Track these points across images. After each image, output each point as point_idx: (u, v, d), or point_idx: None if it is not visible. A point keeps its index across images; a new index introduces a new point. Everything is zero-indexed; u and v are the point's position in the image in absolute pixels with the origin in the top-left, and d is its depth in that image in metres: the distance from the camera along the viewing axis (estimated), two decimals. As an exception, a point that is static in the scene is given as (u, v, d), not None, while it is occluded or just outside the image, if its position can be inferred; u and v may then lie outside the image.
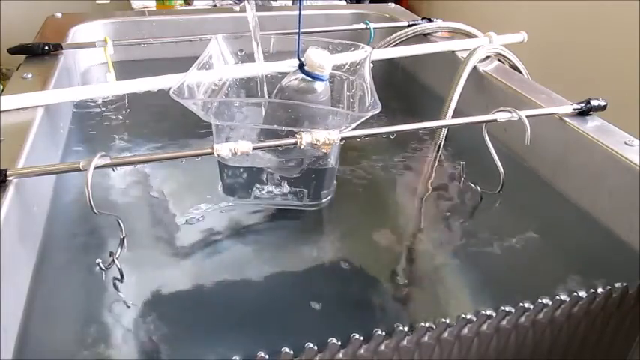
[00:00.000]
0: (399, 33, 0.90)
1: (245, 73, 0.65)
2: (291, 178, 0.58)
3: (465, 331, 0.42)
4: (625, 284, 0.46)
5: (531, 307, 0.43)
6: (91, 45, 0.80)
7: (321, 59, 0.53)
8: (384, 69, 0.95)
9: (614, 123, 0.62)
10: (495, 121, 0.58)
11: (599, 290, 0.45)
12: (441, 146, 0.72)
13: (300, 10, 0.56)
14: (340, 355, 0.39)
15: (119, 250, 0.49)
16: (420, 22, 0.97)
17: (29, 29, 0.94)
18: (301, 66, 0.54)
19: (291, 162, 0.57)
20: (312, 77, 0.54)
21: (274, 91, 0.56)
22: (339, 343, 0.38)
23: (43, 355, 0.41)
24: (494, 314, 0.42)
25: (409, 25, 0.94)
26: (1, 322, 0.39)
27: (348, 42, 0.62)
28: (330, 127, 0.52)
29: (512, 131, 0.68)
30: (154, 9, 1.52)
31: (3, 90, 0.65)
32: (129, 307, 0.46)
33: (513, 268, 0.55)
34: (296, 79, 0.54)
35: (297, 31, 0.56)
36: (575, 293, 0.45)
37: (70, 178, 0.59)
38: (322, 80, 0.54)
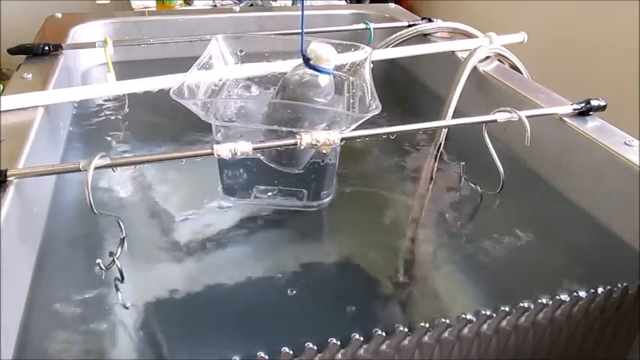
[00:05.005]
0: (399, 33, 0.90)
1: (245, 73, 0.65)
2: (291, 178, 0.58)
3: (465, 331, 0.42)
4: (625, 284, 0.46)
5: (531, 307, 0.43)
6: (91, 45, 0.80)
7: (327, 52, 0.53)
8: (384, 69, 0.95)
9: (614, 123, 0.62)
10: (495, 121, 0.58)
11: (599, 290, 0.45)
12: (441, 146, 0.72)
13: (302, 7, 0.56)
14: (340, 356, 0.39)
15: (119, 250, 0.49)
16: (420, 22, 0.97)
17: (29, 29, 0.94)
18: (307, 61, 0.54)
19: (294, 158, 0.56)
20: (319, 71, 0.54)
21: (277, 88, 0.56)
22: (339, 343, 0.38)
23: (43, 355, 0.41)
24: (494, 314, 0.42)
25: (409, 26, 0.94)
26: (1, 322, 0.39)
27: (348, 42, 0.62)
28: (333, 126, 0.52)
29: (512, 131, 0.68)
30: (154, 9, 1.52)
31: (3, 90, 0.65)
32: (129, 307, 0.46)
33: (513, 268, 0.55)
34: (300, 73, 0.54)
35: (297, 31, 0.55)
36: (575, 293, 0.45)
37: (70, 178, 0.59)
38: (328, 74, 0.54)
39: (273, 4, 1.54)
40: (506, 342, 0.44)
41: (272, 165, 0.56)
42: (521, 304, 0.43)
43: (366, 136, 0.53)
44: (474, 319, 0.42)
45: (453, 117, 0.72)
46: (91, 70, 0.92)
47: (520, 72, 0.82)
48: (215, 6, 1.55)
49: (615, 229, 0.57)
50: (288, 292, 0.49)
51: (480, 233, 0.58)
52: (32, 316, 0.44)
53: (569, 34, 1.55)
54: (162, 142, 0.73)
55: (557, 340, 0.46)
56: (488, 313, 0.42)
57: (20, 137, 0.54)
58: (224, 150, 0.48)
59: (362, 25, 0.97)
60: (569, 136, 0.62)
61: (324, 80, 0.54)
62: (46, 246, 0.51)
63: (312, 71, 0.54)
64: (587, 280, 0.50)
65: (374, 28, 0.96)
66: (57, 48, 0.78)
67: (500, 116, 0.58)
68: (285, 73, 0.57)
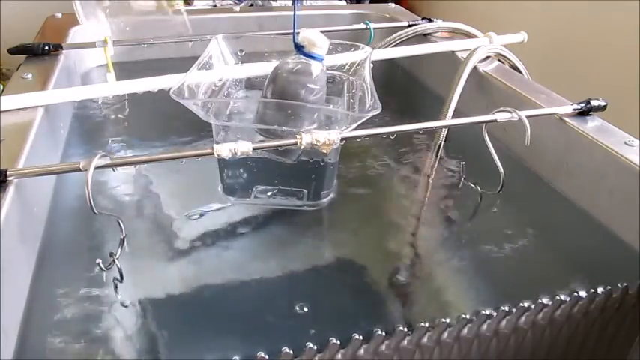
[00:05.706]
0: (399, 33, 0.90)
1: (245, 73, 0.65)
2: (291, 178, 0.58)
3: (465, 331, 0.42)
4: (625, 284, 0.46)
5: (531, 307, 0.43)
6: (91, 45, 0.80)
7: (319, 39, 0.53)
8: (384, 69, 0.95)
9: (614, 123, 0.62)
10: (495, 121, 0.58)
11: (599, 290, 0.45)
12: (441, 146, 0.72)
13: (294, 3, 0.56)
14: (340, 356, 0.39)
15: (119, 250, 0.49)
16: (420, 22, 0.97)
17: (29, 29, 0.94)
18: (300, 48, 0.54)
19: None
20: (311, 57, 0.54)
21: (268, 78, 0.56)
22: (339, 343, 0.38)
23: (43, 355, 0.41)
24: (494, 314, 0.42)
25: (409, 26, 0.95)
26: (1, 322, 0.39)
27: (348, 42, 0.62)
28: (333, 126, 0.52)
29: (512, 131, 0.68)
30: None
31: (3, 90, 0.65)
32: (129, 307, 0.46)
33: (513, 268, 0.55)
34: (291, 62, 0.54)
35: (297, 30, 0.55)
36: (575, 293, 0.45)
37: (70, 178, 0.59)
38: (320, 60, 0.54)
39: (273, 4, 1.54)
40: (506, 342, 0.44)
41: (267, 154, 0.56)
42: (521, 304, 0.43)
43: (366, 136, 0.53)
44: (474, 319, 0.42)
45: (453, 117, 0.72)
46: (91, 70, 0.92)
47: (520, 72, 0.82)
48: (215, 6, 1.55)
49: (615, 229, 0.57)
50: (288, 291, 0.49)
51: (480, 233, 0.58)
52: (32, 316, 0.44)
53: (569, 34, 1.55)
54: (163, 142, 0.73)
55: (557, 340, 0.46)
56: (488, 312, 0.42)
57: (20, 137, 0.54)
58: (224, 150, 0.48)
59: (362, 25, 0.97)
60: (569, 136, 0.62)
61: (316, 67, 0.54)
62: (46, 246, 0.51)
63: (304, 59, 0.54)
64: (587, 279, 0.50)
65: (374, 28, 0.96)
66: (57, 48, 0.78)
67: (500, 116, 0.58)
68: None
